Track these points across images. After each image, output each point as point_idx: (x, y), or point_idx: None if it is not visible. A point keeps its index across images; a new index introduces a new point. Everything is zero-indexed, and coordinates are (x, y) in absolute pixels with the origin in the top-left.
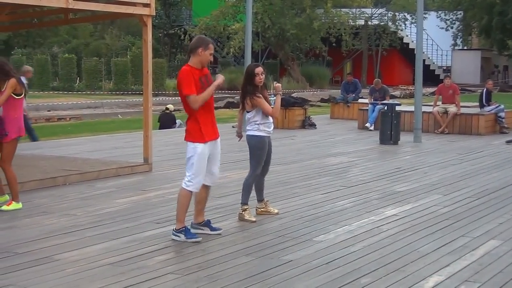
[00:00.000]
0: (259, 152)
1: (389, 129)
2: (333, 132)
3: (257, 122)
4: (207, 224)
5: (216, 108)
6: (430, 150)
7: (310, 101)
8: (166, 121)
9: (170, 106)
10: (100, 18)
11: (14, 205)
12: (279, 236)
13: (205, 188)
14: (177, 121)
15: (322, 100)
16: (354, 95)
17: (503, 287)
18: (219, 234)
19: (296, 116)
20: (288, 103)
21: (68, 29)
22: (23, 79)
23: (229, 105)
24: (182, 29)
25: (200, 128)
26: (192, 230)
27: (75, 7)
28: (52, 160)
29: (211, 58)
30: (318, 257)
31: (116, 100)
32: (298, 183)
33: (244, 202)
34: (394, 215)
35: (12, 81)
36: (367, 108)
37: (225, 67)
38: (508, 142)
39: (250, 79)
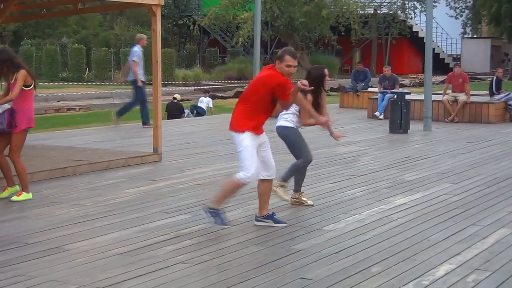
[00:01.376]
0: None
1: (399, 118)
2: (343, 121)
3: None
4: (270, 217)
5: (225, 97)
6: (440, 138)
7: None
8: (173, 110)
9: (177, 96)
10: (109, 8)
11: (24, 196)
12: (289, 225)
13: (267, 181)
14: (185, 110)
15: (332, 89)
16: (364, 84)
17: None
18: (285, 226)
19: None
20: None
21: (77, 19)
22: None
23: (237, 95)
24: (191, 19)
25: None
26: (256, 223)
27: None
28: (61, 151)
29: (292, 70)
30: (328, 246)
31: (126, 90)
32: (308, 172)
33: (284, 179)
34: (404, 203)
35: (22, 72)
36: (376, 97)
37: (234, 57)
38: None
39: (321, 81)
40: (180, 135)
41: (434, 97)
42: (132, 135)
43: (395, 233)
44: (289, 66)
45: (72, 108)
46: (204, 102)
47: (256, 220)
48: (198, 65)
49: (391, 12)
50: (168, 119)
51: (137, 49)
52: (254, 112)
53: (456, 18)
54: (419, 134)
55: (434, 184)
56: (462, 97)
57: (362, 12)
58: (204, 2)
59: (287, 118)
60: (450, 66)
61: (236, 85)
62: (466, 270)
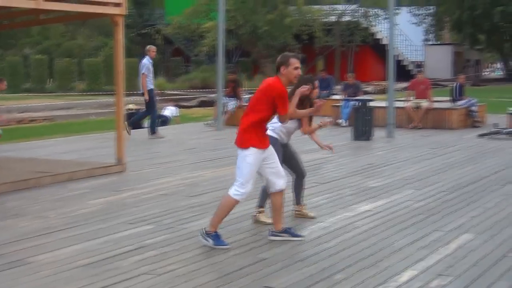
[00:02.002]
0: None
1: (362, 125)
2: None
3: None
4: (286, 231)
5: (190, 107)
6: (403, 145)
7: None
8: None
9: (131, 106)
10: (72, 18)
11: None
12: (254, 234)
13: (279, 194)
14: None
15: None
16: (327, 91)
17: (477, 280)
18: (302, 240)
19: None
20: None
21: (39, 30)
22: None
23: (202, 104)
24: (155, 28)
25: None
26: (271, 238)
27: (46, 8)
28: (24, 162)
29: (300, 72)
30: (292, 254)
31: (89, 101)
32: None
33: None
34: (368, 210)
35: None
36: (340, 104)
37: (198, 66)
38: (480, 135)
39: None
40: (145, 145)
41: (397, 104)
42: (96, 145)
43: (359, 240)
44: (296, 68)
45: (34, 119)
46: (170, 111)
47: (272, 235)
48: (162, 75)
49: (354, 19)
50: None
51: (146, 61)
52: (259, 123)
53: (419, 25)
54: (382, 141)
55: (397, 191)
56: (424, 103)
57: (325, 20)
58: (168, 11)
59: (274, 129)
60: (412, 73)
61: (200, 94)
62: (429, 276)
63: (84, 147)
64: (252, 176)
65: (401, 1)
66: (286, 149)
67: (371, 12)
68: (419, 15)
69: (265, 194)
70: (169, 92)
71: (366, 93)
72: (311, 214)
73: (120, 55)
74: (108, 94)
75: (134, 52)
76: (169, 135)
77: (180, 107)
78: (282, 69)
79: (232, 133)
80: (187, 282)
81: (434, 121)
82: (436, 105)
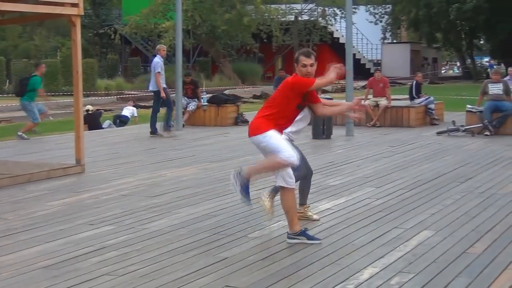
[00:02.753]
0: None
1: (322, 123)
2: None
3: None
4: (302, 233)
5: (148, 107)
6: (363, 143)
7: (242, 97)
8: (91, 122)
9: (89, 107)
10: (28, 19)
11: None
12: (214, 233)
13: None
14: (106, 122)
15: (255, 97)
16: None
17: (437, 277)
18: (319, 243)
19: (229, 113)
20: (220, 100)
21: None
22: None
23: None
24: (112, 28)
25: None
26: (289, 241)
27: (2, 9)
28: None
29: (309, 69)
30: (254, 253)
31: (47, 102)
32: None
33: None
34: (328, 209)
35: None
36: None
37: None
38: (438, 133)
39: None
40: (104, 146)
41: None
42: (54, 147)
43: (320, 238)
44: (304, 65)
45: None
46: (130, 110)
47: (288, 238)
48: (120, 75)
49: (312, 19)
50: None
51: (158, 60)
52: (273, 116)
53: (376, 23)
54: (342, 139)
55: (358, 189)
56: (383, 101)
57: (283, 19)
58: (125, 11)
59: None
60: (371, 71)
61: None
62: (389, 273)
63: (43, 148)
64: (285, 145)
65: (358, 0)
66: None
67: (328, 11)
68: (376, 14)
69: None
70: (127, 92)
71: (324, 91)
72: (315, 216)
73: (78, 56)
74: (66, 94)
75: (93, 52)
76: (127, 135)
77: (139, 107)
78: (296, 67)
79: (191, 133)
80: (148, 282)
81: (392, 119)
82: (394, 103)
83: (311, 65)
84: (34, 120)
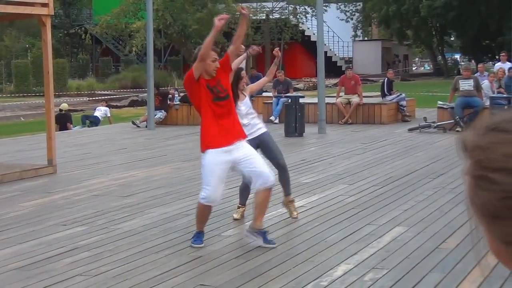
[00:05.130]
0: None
1: (294, 121)
2: None
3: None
4: (262, 233)
5: (120, 106)
6: (335, 140)
7: None
8: (61, 122)
9: (64, 105)
10: None
11: None
12: (188, 232)
13: (261, 191)
14: (76, 127)
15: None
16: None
17: (410, 272)
18: (274, 247)
19: None
20: None
21: None
22: None
23: (133, 104)
24: (83, 28)
25: (203, 134)
26: (247, 234)
27: None
28: None
29: (215, 65)
30: (227, 251)
31: (18, 103)
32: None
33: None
34: (301, 206)
35: None
36: (271, 101)
37: (128, 66)
38: (410, 130)
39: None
40: (76, 146)
41: (328, 100)
42: (26, 147)
43: (293, 236)
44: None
45: None
46: (102, 111)
47: (247, 231)
48: (92, 75)
49: (283, 17)
50: (60, 130)
51: None
52: (206, 120)
53: (347, 21)
54: (314, 137)
55: (330, 186)
56: (355, 99)
57: (254, 18)
58: (96, 11)
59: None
60: (342, 69)
61: (131, 94)
62: (363, 269)
63: (14, 149)
64: (212, 175)
65: None
66: (261, 143)
67: (299, 9)
68: (347, 11)
69: (243, 192)
70: (99, 92)
71: (296, 89)
72: (295, 214)
73: (48, 56)
74: (38, 95)
75: (64, 52)
76: (100, 135)
77: (111, 107)
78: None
79: (163, 132)
80: (121, 282)
81: (364, 116)
82: (366, 100)
83: (213, 60)
84: None
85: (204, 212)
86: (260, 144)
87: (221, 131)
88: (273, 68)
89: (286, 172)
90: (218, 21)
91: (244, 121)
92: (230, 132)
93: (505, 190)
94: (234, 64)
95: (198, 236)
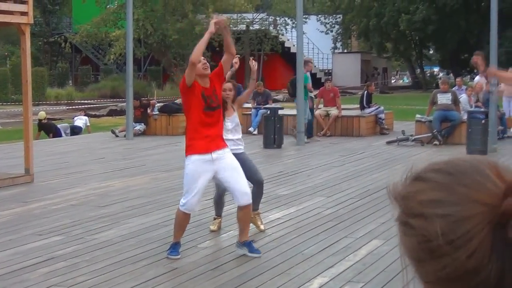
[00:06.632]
0: None
1: (272, 133)
2: None
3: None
4: (247, 244)
5: (99, 116)
6: (313, 152)
7: None
8: (49, 130)
9: (42, 114)
10: None
11: None
12: (165, 243)
13: (243, 207)
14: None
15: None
16: None
17: (386, 286)
18: (259, 256)
19: (180, 122)
20: (171, 110)
21: None
22: None
23: (112, 113)
24: (63, 36)
25: (189, 140)
26: (237, 249)
27: None
28: None
29: (206, 70)
30: (203, 263)
31: None
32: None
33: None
34: (278, 218)
35: None
36: (250, 113)
37: (107, 75)
38: (388, 142)
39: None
40: (54, 155)
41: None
42: (3, 156)
43: (270, 248)
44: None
45: None
46: (82, 120)
47: (236, 246)
48: (71, 84)
49: (263, 28)
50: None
51: None
52: (191, 129)
53: (327, 33)
54: (292, 148)
55: (308, 198)
56: (333, 111)
57: (234, 29)
58: (76, 19)
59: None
60: (322, 81)
61: (110, 103)
62: (339, 283)
63: None
64: (193, 183)
65: (309, 9)
66: (238, 159)
67: (280, 21)
68: (327, 23)
69: (217, 204)
70: (78, 101)
71: (276, 101)
72: (262, 227)
73: (27, 64)
74: (16, 103)
75: (43, 60)
76: (78, 144)
77: (90, 116)
78: None
79: (142, 142)
80: None
81: (343, 128)
82: (345, 112)
83: (204, 65)
84: None
85: (183, 220)
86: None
87: (206, 138)
88: (252, 81)
89: (261, 188)
90: (214, 26)
91: (228, 136)
92: (215, 141)
93: (421, 234)
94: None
95: (175, 247)
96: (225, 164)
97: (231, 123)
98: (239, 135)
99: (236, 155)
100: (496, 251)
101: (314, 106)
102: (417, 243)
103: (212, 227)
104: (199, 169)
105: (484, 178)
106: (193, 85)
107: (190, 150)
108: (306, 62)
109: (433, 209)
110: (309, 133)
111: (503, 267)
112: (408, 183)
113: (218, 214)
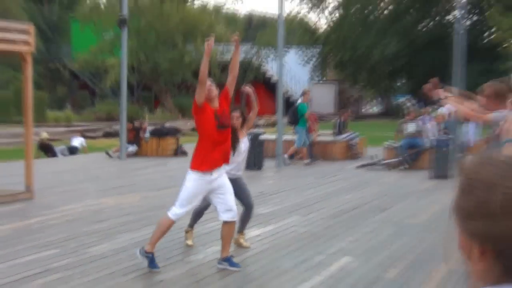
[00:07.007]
0: None
1: (254, 156)
2: None
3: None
4: (227, 259)
5: (95, 137)
6: (291, 175)
7: (182, 130)
8: (48, 150)
9: (44, 134)
10: None
11: None
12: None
13: (227, 224)
14: (58, 148)
15: (193, 129)
16: None
17: None
18: (238, 270)
19: (169, 144)
20: (161, 133)
21: None
22: None
23: (107, 135)
24: (62, 63)
25: (197, 154)
26: (219, 266)
27: None
28: None
29: (213, 93)
30: (188, 276)
31: (1, 131)
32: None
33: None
34: (257, 235)
35: None
36: None
37: (103, 99)
38: (359, 166)
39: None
40: (53, 174)
41: (286, 137)
42: (5, 173)
43: (249, 263)
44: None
45: None
46: (79, 140)
47: (219, 264)
48: (69, 107)
49: (247, 58)
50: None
51: None
52: (202, 146)
53: (305, 64)
54: (272, 170)
55: (285, 217)
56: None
57: (220, 59)
58: (74, 47)
59: (241, 167)
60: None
61: (105, 125)
62: None
63: None
64: (190, 197)
65: (290, 42)
66: (236, 183)
67: (262, 52)
68: (306, 55)
69: (196, 216)
70: (76, 123)
71: (258, 126)
72: (246, 244)
73: (29, 89)
74: (18, 124)
75: (43, 85)
76: (75, 163)
77: (86, 137)
78: None
79: (133, 162)
80: None
81: (319, 152)
82: (321, 138)
83: (208, 86)
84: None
85: (167, 228)
86: (235, 184)
87: (215, 155)
88: (254, 103)
89: (250, 211)
90: (208, 45)
91: (239, 158)
92: (221, 159)
93: (482, 199)
94: None
95: (152, 260)
96: (220, 182)
97: (244, 146)
98: (245, 160)
99: (237, 179)
100: None
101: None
102: (474, 204)
103: (188, 242)
104: (200, 188)
105: None
106: (204, 107)
107: (196, 166)
108: (305, 93)
109: (500, 181)
110: (311, 156)
111: None
112: (477, 160)
113: (191, 225)
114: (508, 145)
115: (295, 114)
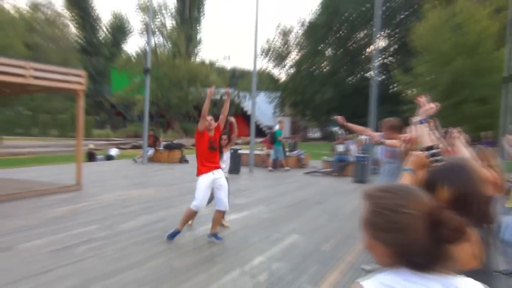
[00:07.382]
0: None
1: (234, 164)
2: (190, 169)
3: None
4: (214, 235)
5: (125, 148)
6: (259, 178)
7: (185, 145)
8: (92, 157)
9: (91, 146)
10: (49, 90)
11: None
12: (164, 232)
13: (218, 212)
14: (98, 156)
15: (193, 145)
16: None
17: (301, 264)
18: (221, 242)
19: (176, 155)
20: (171, 147)
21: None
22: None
23: (134, 147)
24: (104, 97)
25: (199, 166)
26: (208, 238)
27: (31, 83)
28: (15, 182)
29: (212, 125)
30: (187, 245)
31: (60, 142)
32: (177, 198)
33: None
34: (234, 218)
35: None
36: None
37: (131, 123)
38: (305, 173)
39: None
40: (95, 173)
41: (256, 152)
42: (62, 172)
43: (228, 238)
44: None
45: (23, 154)
46: (115, 151)
47: (208, 237)
48: (108, 127)
49: (230, 98)
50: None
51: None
52: (199, 160)
53: (270, 103)
54: (246, 175)
55: (255, 206)
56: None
57: (213, 98)
58: (113, 87)
59: (226, 170)
60: (266, 133)
61: (132, 141)
62: (271, 261)
63: (54, 173)
64: (202, 191)
65: (260, 87)
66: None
67: (241, 94)
68: (270, 97)
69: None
70: (112, 138)
71: (237, 143)
72: (227, 224)
73: (81, 115)
74: (72, 138)
75: (91, 112)
76: (112, 166)
77: (119, 148)
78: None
79: (151, 167)
80: (120, 261)
81: (278, 163)
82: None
83: (208, 121)
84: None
85: (191, 215)
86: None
87: (209, 166)
88: (235, 129)
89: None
90: (209, 92)
91: (222, 165)
92: (211, 167)
93: (389, 219)
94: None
95: (173, 234)
96: (220, 182)
97: (226, 156)
98: (227, 167)
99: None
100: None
101: (260, 148)
102: (383, 222)
103: (189, 222)
104: (206, 182)
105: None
106: (204, 133)
107: (199, 173)
108: (280, 122)
109: (401, 204)
110: (275, 166)
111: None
112: (379, 191)
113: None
114: (404, 174)
115: (273, 137)
